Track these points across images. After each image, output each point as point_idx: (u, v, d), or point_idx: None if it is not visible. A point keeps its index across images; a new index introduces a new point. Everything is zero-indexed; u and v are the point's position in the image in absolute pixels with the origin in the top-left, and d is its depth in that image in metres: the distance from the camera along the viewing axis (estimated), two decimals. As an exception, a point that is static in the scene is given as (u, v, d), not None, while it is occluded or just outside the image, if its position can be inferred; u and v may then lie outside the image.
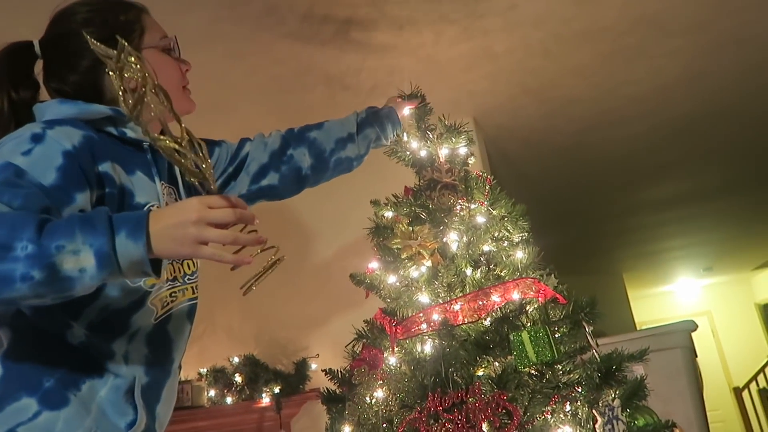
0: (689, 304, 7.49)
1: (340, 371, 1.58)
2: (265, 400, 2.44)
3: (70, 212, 0.83)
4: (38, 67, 1.01)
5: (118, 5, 1.01)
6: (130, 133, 0.97)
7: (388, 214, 1.67)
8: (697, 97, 2.79)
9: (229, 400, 2.46)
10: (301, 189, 1.39)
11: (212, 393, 2.48)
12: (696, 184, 4.15)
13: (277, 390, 2.43)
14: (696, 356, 2.19)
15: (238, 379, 2.45)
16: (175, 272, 1.02)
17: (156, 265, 0.77)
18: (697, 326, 2.18)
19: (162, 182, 1.00)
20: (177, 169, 1.07)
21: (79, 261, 0.71)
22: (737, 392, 5.99)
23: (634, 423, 1.35)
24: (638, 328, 6.61)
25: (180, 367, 1.09)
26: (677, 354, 1.99)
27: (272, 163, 1.30)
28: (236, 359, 2.52)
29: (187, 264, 1.05)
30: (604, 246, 5.48)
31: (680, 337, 2.06)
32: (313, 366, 2.54)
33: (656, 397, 1.38)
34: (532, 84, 2.48)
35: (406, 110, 1.62)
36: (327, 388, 1.59)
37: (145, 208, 0.93)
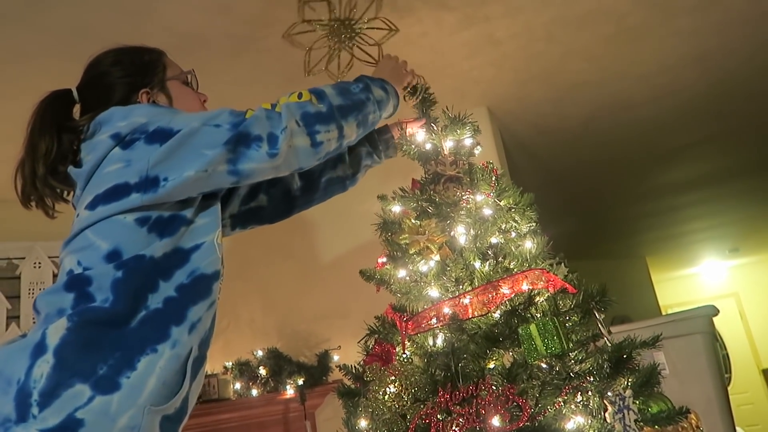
0: (715, 286, 7.35)
1: (354, 366, 1.60)
2: (290, 391, 2.49)
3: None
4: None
5: (141, 49, 1.17)
6: None
7: (396, 208, 1.67)
8: (709, 76, 2.72)
9: (254, 392, 2.51)
10: (291, 212, 1.43)
11: (238, 386, 2.53)
12: (715, 165, 4.06)
13: (300, 382, 2.47)
14: (717, 341, 2.15)
15: (262, 371, 2.50)
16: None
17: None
18: (718, 311, 2.15)
19: None
20: None
21: (379, 93, 1.24)
22: (766, 374, 5.88)
23: (648, 410, 1.34)
24: (663, 312, 6.53)
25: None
26: (698, 339, 1.96)
27: (261, 185, 1.35)
28: (260, 352, 2.57)
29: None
30: (626, 230, 5.40)
31: (701, 323, 2.03)
32: (335, 358, 2.58)
33: (677, 382, 1.38)
34: (537, 69, 2.45)
35: (410, 129, 1.63)
36: (342, 383, 1.61)
37: None
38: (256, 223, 1.37)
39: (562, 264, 1.56)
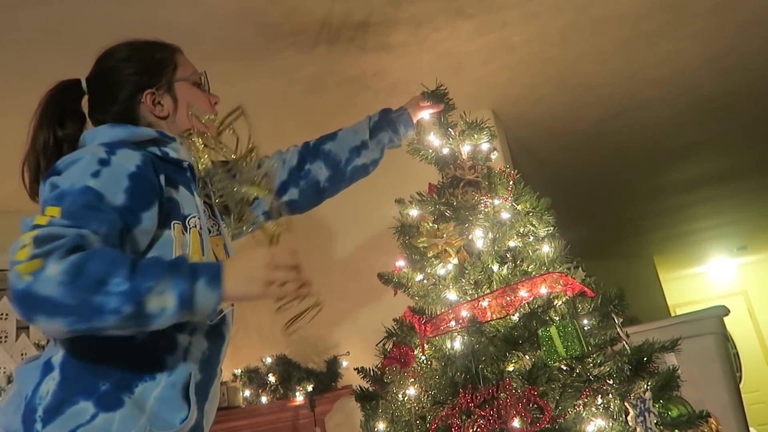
0: (724, 284, 7.32)
1: (372, 369, 1.61)
2: (299, 398, 2.49)
3: (139, 233, 0.93)
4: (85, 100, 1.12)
5: (154, 45, 1.14)
6: (172, 153, 1.07)
7: (413, 212, 1.68)
8: (721, 77, 2.73)
9: (263, 399, 2.51)
10: (321, 200, 1.46)
11: (247, 393, 2.54)
12: (724, 163, 4.06)
13: (310, 388, 2.47)
14: (729, 341, 2.15)
15: (271, 378, 2.50)
16: None
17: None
18: (729, 311, 2.15)
19: (200, 198, 1.09)
20: (211, 189, 1.17)
21: (163, 300, 0.82)
22: (777, 373, 5.86)
23: (668, 414, 1.35)
24: (671, 311, 6.51)
25: (221, 371, 1.15)
26: (710, 340, 1.97)
27: (291, 180, 1.37)
28: (269, 359, 2.57)
29: None
30: (633, 230, 5.40)
31: (712, 323, 2.03)
32: (344, 363, 2.58)
33: (689, 384, 1.38)
34: (551, 73, 2.46)
35: (426, 114, 1.63)
36: (360, 386, 1.62)
37: (188, 219, 1.02)
38: (287, 214, 1.38)
39: (580, 268, 1.57)
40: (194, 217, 1.03)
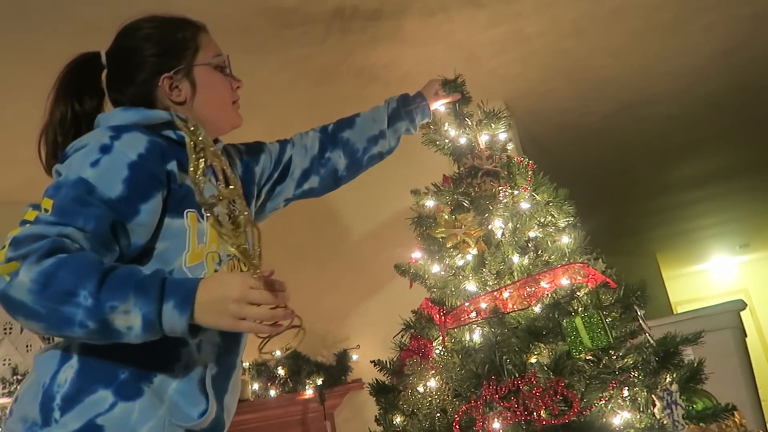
0: (725, 282, 7.33)
1: (389, 362, 1.59)
2: (308, 392, 2.47)
3: (136, 226, 0.90)
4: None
5: (177, 23, 1.08)
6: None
7: (429, 203, 1.66)
8: (732, 71, 2.71)
9: (272, 393, 2.49)
10: (337, 186, 1.43)
11: (256, 386, 2.51)
12: (729, 160, 4.05)
13: (319, 382, 2.45)
14: (746, 336, 2.14)
15: (281, 372, 2.47)
16: (241, 267, 1.05)
17: (194, 329, 0.84)
18: (746, 305, 2.13)
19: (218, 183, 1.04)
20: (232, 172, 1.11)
21: (128, 320, 0.80)
22: (779, 370, 5.85)
23: (692, 407, 1.33)
24: (674, 309, 6.51)
25: (242, 362, 1.12)
26: (728, 335, 1.95)
27: (313, 168, 1.35)
28: (278, 352, 2.53)
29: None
30: (637, 226, 5.39)
31: (730, 317, 2.01)
32: (354, 357, 2.56)
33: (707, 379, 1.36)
34: (564, 66, 2.44)
35: (441, 105, 1.61)
36: (376, 379, 1.60)
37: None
38: (304, 198, 1.37)
39: (600, 259, 1.55)
40: None
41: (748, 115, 3.27)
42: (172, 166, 0.96)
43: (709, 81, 2.77)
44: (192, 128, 0.88)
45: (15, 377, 2.35)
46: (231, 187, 0.85)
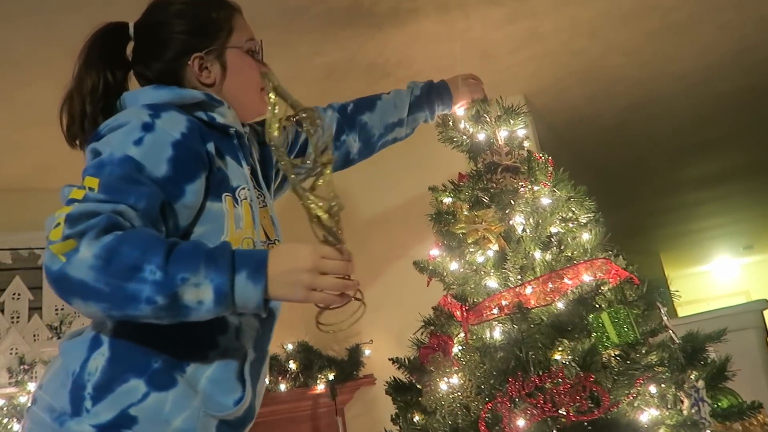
0: (727, 283, 7.33)
1: (406, 359, 1.57)
2: (320, 386, 2.42)
3: (181, 207, 0.87)
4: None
5: (213, 2, 1.05)
6: (219, 119, 1.00)
7: (447, 199, 1.65)
8: (744, 72, 2.71)
9: (282, 387, 2.43)
10: (345, 168, 1.41)
11: (266, 380, 2.49)
12: (737, 161, 4.05)
13: (331, 377, 2.42)
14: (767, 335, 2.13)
15: (292, 365, 2.42)
16: None
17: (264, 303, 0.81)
18: (768, 305, 2.11)
19: (248, 167, 1.02)
20: (255, 157, 1.10)
21: (199, 293, 0.76)
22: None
23: (718, 405, 1.32)
24: (676, 310, 6.49)
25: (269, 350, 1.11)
26: (751, 335, 1.93)
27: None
28: (290, 346, 2.49)
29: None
30: (643, 226, 5.38)
31: (753, 317, 1.99)
32: (367, 352, 2.53)
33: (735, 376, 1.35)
34: (577, 65, 2.43)
35: (460, 109, 1.60)
36: (394, 377, 1.59)
37: (237, 191, 0.96)
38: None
39: (621, 256, 1.54)
40: (244, 188, 0.97)
41: (757, 116, 3.27)
42: (210, 147, 0.94)
43: (720, 81, 2.76)
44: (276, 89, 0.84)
45: (22, 367, 2.31)
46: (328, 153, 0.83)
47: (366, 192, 2.66)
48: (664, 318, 1.43)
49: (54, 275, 0.75)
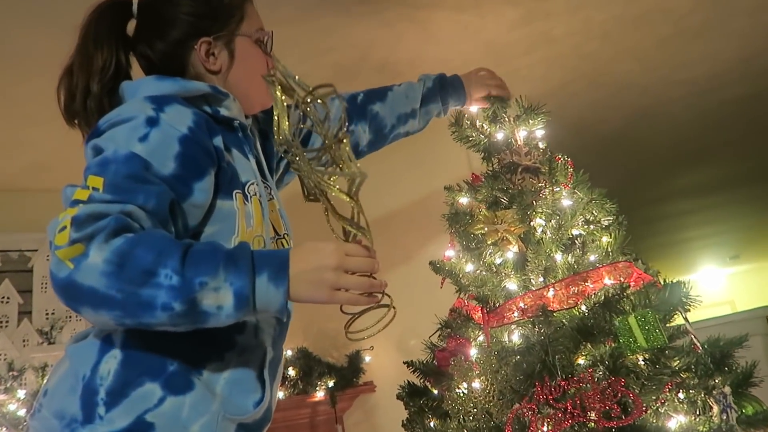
0: (712, 293, 7.41)
1: (420, 362, 1.53)
2: (319, 394, 2.38)
3: (190, 206, 0.83)
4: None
5: None
6: (224, 111, 0.95)
7: (464, 199, 1.62)
8: (749, 80, 2.73)
9: (281, 394, 2.41)
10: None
11: (265, 387, 2.43)
12: (731, 170, 4.09)
13: (331, 384, 2.37)
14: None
15: (291, 372, 2.38)
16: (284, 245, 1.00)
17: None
18: (773, 311, 2.12)
19: (253, 160, 0.98)
20: (258, 148, 1.05)
21: (219, 298, 0.71)
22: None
23: (743, 411, 1.30)
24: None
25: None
26: (757, 342, 1.93)
27: None
28: (289, 352, 2.45)
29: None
30: (633, 234, 5.41)
31: (759, 324, 1.99)
32: (367, 359, 2.48)
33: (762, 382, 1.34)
34: (586, 69, 2.43)
35: (475, 107, 1.57)
36: (408, 381, 1.54)
37: (246, 187, 0.91)
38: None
39: (639, 260, 1.53)
40: (252, 183, 0.93)
41: (755, 125, 3.30)
42: (218, 141, 0.89)
43: (725, 89, 2.78)
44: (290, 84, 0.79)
45: (11, 373, 2.22)
46: (345, 142, 0.78)
47: (366, 194, 2.61)
48: (686, 322, 1.41)
49: (61, 283, 0.70)
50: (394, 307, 0.84)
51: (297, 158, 0.77)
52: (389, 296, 0.83)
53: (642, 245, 5.88)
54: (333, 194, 0.76)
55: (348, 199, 0.76)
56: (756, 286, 7.27)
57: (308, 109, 0.78)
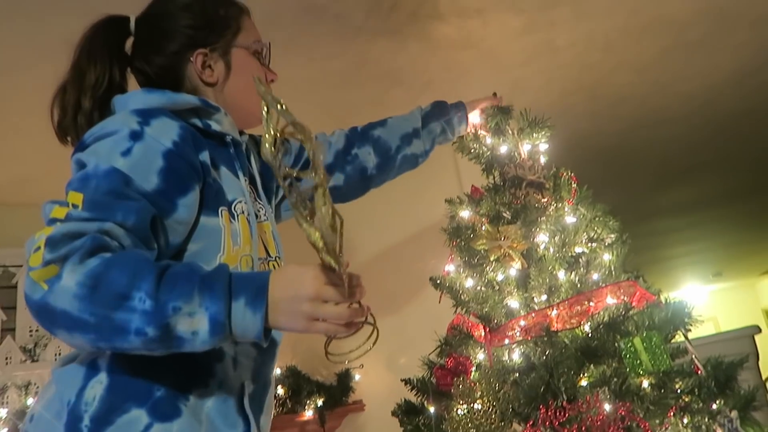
0: (695, 310, 7.49)
1: (416, 380, 1.49)
2: (308, 413, 2.32)
3: (174, 222, 0.80)
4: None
5: (222, 0, 1.00)
6: (214, 126, 0.93)
7: (465, 213, 1.59)
8: (746, 95, 2.73)
9: (269, 413, 2.34)
10: (366, 190, 1.34)
11: (253, 406, 2.36)
12: (717, 187, 4.12)
13: (320, 402, 2.31)
14: (758, 360, 2.13)
15: (280, 391, 2.32)
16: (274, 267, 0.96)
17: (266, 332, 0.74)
18: (761, 330, 2.12)
19: (245, 178, 0.95)
20: (255, 167, 1.02)
21: (193, 323, 0.69)
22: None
23: (747, 436, 1.28)
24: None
25: (274, 377, 1.02)
26: (749, 360, 1.91)
27: (337, 164, 1.25)
28: (278, 370, 2.40)
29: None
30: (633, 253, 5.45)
31: (746, 343, 1.99)
32: (357, 377, 2.43)
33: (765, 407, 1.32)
34: (587, 80, 2.42)
35: (477, 117, 1.55)
36: (405, 399, 1.50)
37: (234, 205, 0.88)
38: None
39: (641, 278, 1.51)
40: (240, 201, 0.90)
41: (745, 142, 3.32)
42: (204, 156, 0.86)
43: (721, 103, 2.79)
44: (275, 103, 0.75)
45: (43, 390, 2.12)
46: (323, 172, 0.73)
47: (360, 211, 2.58)
48: (688, 343, 1.39)
49: (35, 305, 0.68)
50: (377, 329, 0.80)
51: (279, 179, 0.73)
52: (373, 316, 0.79)
53: (633, 261, 5.91)
54: (303, 227, 0.70)
55: (320, 243, 0.69)
56: (738, 304, 7.37)
57: (283, 142, 0.73)
